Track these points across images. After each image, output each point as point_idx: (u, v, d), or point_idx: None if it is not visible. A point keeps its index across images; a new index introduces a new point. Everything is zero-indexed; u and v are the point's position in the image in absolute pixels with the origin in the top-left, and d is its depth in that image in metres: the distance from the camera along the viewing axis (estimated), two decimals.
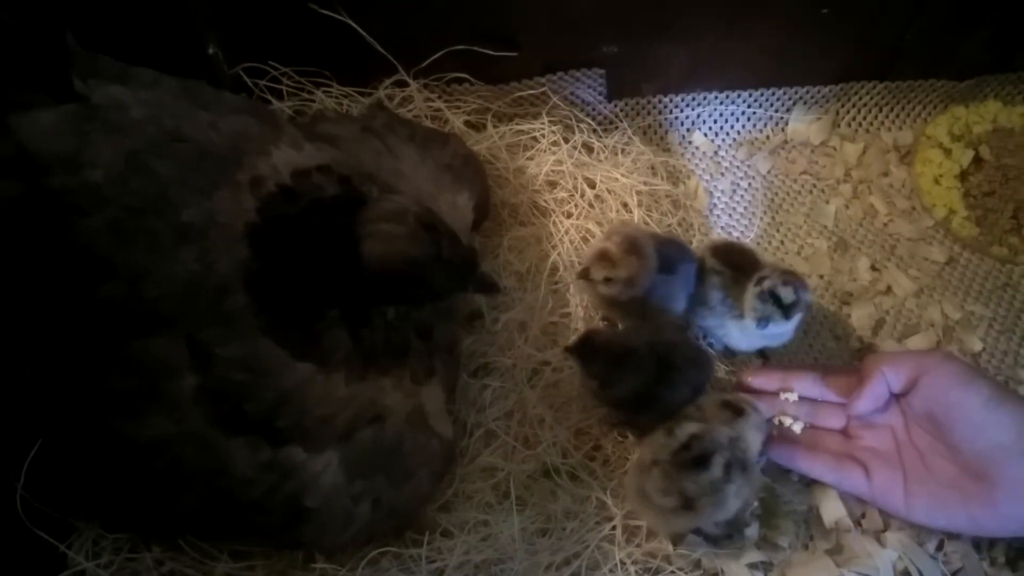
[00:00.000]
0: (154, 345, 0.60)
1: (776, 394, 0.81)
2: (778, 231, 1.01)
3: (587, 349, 0.74)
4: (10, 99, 0.59)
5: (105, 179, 0.59)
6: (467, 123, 1.00)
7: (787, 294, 0.75)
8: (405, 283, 0.65)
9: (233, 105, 0.71)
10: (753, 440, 0.72)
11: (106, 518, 0.71)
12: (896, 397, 0.76)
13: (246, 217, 0.63)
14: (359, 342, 0.66)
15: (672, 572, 0.74)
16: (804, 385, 0.80)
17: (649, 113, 1.06)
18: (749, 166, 1.06)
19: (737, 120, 1.08)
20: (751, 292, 0.77)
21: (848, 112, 1.09)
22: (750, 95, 1.07)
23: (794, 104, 1.08)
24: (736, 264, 0.82)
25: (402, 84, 0.97)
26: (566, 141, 0.98)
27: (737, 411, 0.72)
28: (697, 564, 0.75)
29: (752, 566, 0.74)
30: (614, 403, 0.78)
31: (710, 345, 0.87)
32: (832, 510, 0.77)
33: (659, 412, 0.75)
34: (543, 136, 0.98)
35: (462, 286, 0.69)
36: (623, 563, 0.73)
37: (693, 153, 1.07)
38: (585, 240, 0.94)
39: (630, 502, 0.75)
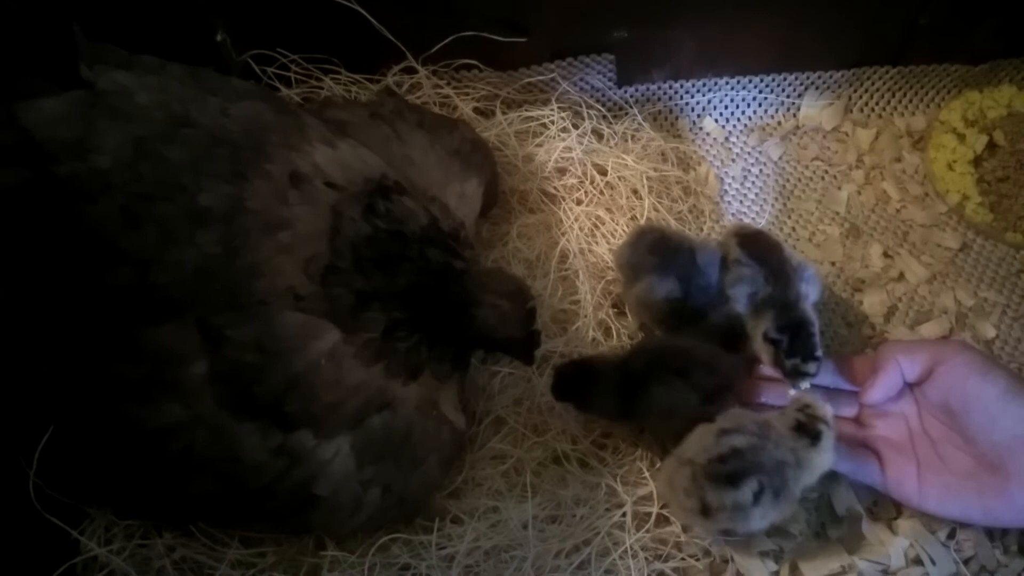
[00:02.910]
0: (163, 332, 0.60)
1: None
2: (790, 217, 1.00)
3: (560, 384, 0.78)
4: (15, 87, 0.59)
5: (112, 165, 0.59)
6: (476, 110, 0.99)
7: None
8: (492, 346, 0.77)
9: (242, 91, 0.71)
10: (821, 464, 0.69)
11: (118, 504, 0.72)
12: (910, 386, 0.76)
13: (300, 213, 0.65)
14: (386, 339, 0.67)
15: (682, 559, 0.74)
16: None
17: (659, 99, 1.06)
18: (760, 152, 1.05)
19: (748, 106, 1.07)
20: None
21: (860, 97, 1.08)
22: (761, 80, 1.06)
23: (806, 89, 1.07)
24: (763, 259, 0.79)
25: (411, 71, 0.97)
26: (575, 128, 0.97)
27: (813, 437, 0.69)
28: (707, 551, 0.75)
29: (763, 554, 0.74)
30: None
31: None
32: (844, 498, 0.77)
33: (658, 414, 0.75)
34: (552, 123, 0.98)
35: (526, 359, 0.78)
36: (633, 549, 0.73)
37: (704, 139, 1.06)
38: (595, 227, 0.94)
39: (659, 483, 0.75)
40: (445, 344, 0.72)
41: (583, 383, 0.77)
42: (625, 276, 0.85)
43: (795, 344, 0.74)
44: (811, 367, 0.74)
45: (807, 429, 0.69)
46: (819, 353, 0.74)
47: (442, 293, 0.70)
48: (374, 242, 0.67)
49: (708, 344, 0.78)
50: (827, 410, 0.71)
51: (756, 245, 0.80)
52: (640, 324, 0.87)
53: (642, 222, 0.92)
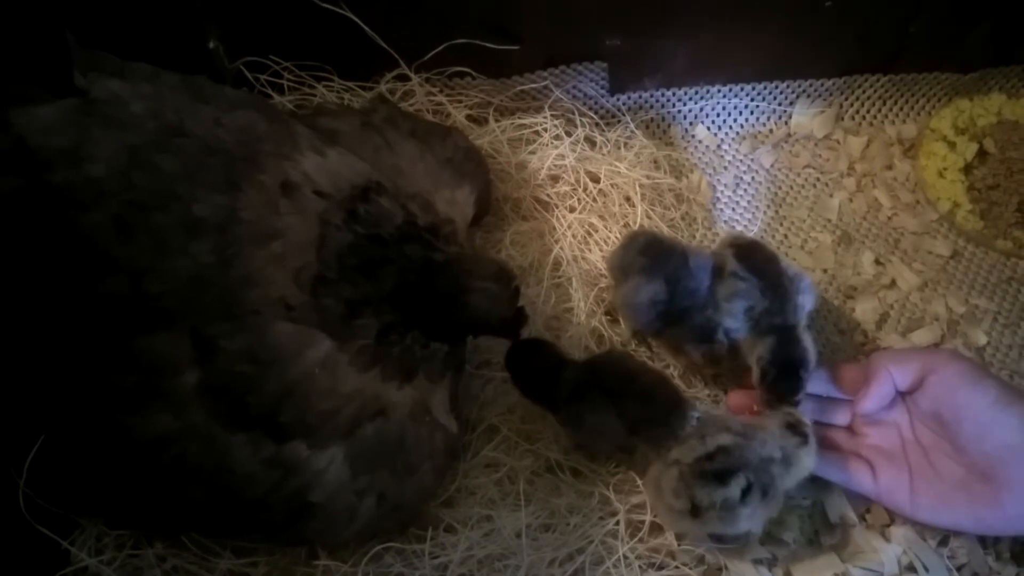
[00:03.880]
0: (156, 341, 0.60)
1: None
2: (782, 225, 1.00)
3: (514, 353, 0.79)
4: (10, 93, 0.59)
5: (106, 174, 0.59)
6: (469, 117, 0.99)
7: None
8: (484, 330, 0.76)
9: (235, 100, 0.71)
10: (808, 463, 0.70)
11: (109, 515, 0.71)
12: (902, 394, 0.76)
13: (291, 223, 0.65)
14: (380, 343, 0.67)
15: (676, 567, 0.73)
16: (810, 381, 0.79)
17: (652, 107, 1.06)
18: (752, 160, 1.06)
19: (740, 114, 1.08)
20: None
21: (852, 105, 1.08)
22: (753, 88, 1.06)
23: (797, 97, 1.07)
24: (760, 272, 0.78)
25: (404, 78, 0.97)
26: (568, 135, 0.98)
27: (802, 437, 0.70)
28: (701, 559, 0.74)
29: (757, 561, 0.74)
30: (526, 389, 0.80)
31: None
32: (837, 505, 0.77)
33: (585, 430, 0.76)
34: (545, 130, 0.98)
35: (515, 336, 0.78)
36: (627, 558, 0.72)
37: (696, 147, 1.07)
38: (588, 234, 0.94)
39: (645, 489, 0.75)
40: (438, 338, 0.71)
41: (531, 363, 0.78)
42: (615, 278, 0.85)
43: (780, 383, 0.75)
44: (786, 407, 0.75)
45: (797, 428, 0.70)
46: (800, 397, 0.75)
47: (429, 286, 0.70)
48: (356, 249, 0.67)
49: (658, 376, 0.78)
50: (806, 419, 0.72)
51: (753, 257, 0.79)
52: (634, 332, 0.87)
53: (635, 229, 0.93)
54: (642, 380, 0.76)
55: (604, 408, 0.74)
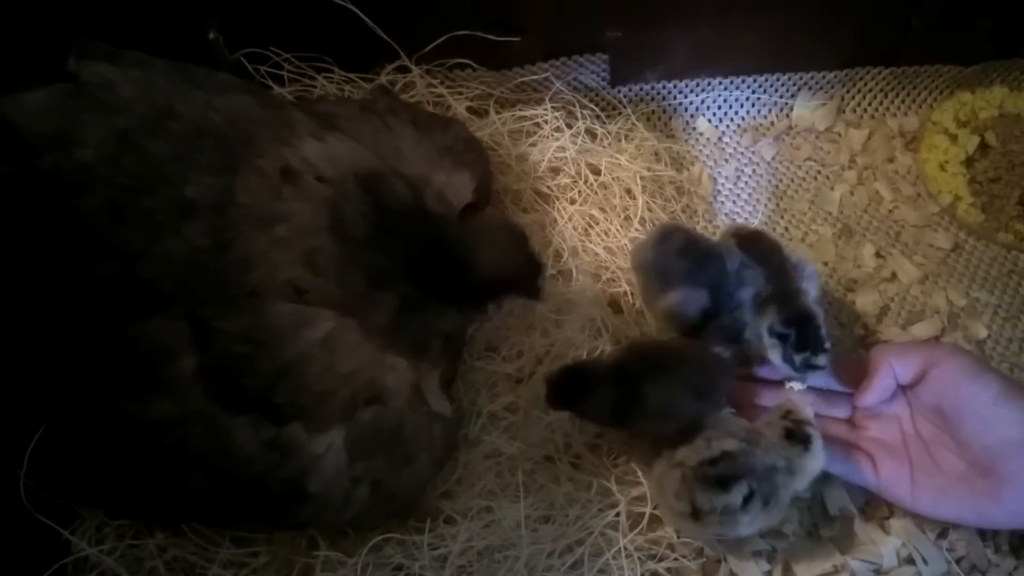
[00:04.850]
0: (152, 327, 0.60)
1: (782, 383, 0.80)
2: (783, 217, 1.00)
3: (553, 393, 0.75)
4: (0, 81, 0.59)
5: (96, 158, 0.59)
6: (469, 109, 0.99)
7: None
8: (501, 289, 0.75)
9: (228, 84, 0.71)
10: (814, 468, 0.69)
11: (109, 504, 0.71)
12: (903, 388, 0.76)
13: (295, 208, 0.64)
14: (397, 318, 0.67)
15: (675, 559, 0.74)
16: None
17: (653, 99, 1.06)
18: (753, 152, 1.05)
19: (741, 106, 1.07)
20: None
21: (853, 98, 1.08)
22: (754, 81, 1.06)
23: (799, 90, 1.07)
24: (765, 259, 0.77)
25: (404, 70, 0.96)
26: (569, 127, 0.97)
27: (805, 443, 0.68)
28: (700, 552, 0.75)
29: (756, 553, 0.74)
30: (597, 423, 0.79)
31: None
32: (837, 498, 0.77)
33: (654, 414, 0.73)
34: (546, 122, 0.98)
35: (534, 293, 0.76)
36: (626, 549, 0.73)
37: (697, 139, 1.06)
38: (589, 226, 0.93)
39: (650, 486, 0.75)
40: (456, 302, 0.71)
41: (576, 388, 0.75)
42: (647, 279, 0.80)
43: (803, 337, 0.72)
44: (821, 359, 0.72)
45: (797, 435, 0.69)
46: (828, 345, 0.72)
47: (442, 249, 0.69)
48: (374, 226, 0.67)
49: (696, 342, 0.77)
50: (809, 411, 0.71)
51: (756, 245, 0.79)
52: (659, 328, 0.85)
53: (635, 222, 0.93)
54: (690, 350, 0.75)
55: (669, 382, 0.72)
